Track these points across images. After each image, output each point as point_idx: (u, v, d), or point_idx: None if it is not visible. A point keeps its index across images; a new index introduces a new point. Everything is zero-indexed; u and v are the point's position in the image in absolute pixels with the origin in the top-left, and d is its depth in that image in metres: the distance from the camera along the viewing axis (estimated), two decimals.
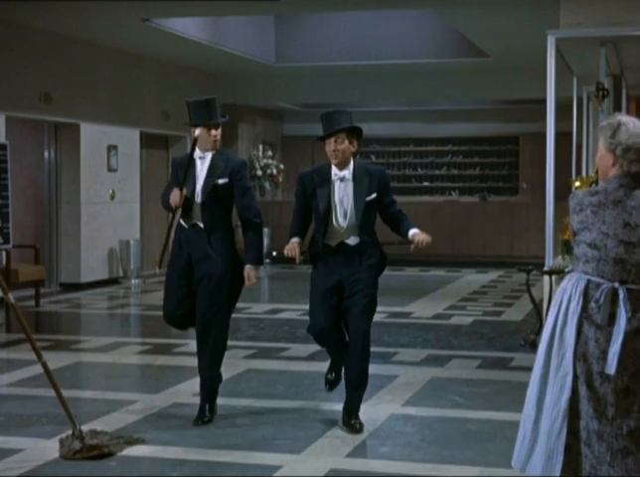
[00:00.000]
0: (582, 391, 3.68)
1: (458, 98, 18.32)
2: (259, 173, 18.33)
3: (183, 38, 13.70)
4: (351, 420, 5.90)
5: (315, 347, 7.56)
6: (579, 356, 3.71)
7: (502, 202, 19.00)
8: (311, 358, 8.23)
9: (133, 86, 15.11)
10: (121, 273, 14.53)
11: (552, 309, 3.83)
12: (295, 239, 5.90)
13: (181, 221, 6.07)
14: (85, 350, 8.79)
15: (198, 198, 5.92)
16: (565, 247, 10.06)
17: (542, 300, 9.24)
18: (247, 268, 6.01)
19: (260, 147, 18.74)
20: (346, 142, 5.82)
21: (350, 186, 5.85)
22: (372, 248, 5.89)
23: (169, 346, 8.89)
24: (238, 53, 15.19)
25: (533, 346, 8.74)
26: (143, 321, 11.19)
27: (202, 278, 5.94)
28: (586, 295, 3.72)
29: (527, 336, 8.93)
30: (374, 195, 5.86)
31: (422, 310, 11.41)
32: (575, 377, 3.71)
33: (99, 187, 14.21)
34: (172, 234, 6.22)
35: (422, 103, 19.26)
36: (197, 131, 5.96)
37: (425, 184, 20.38)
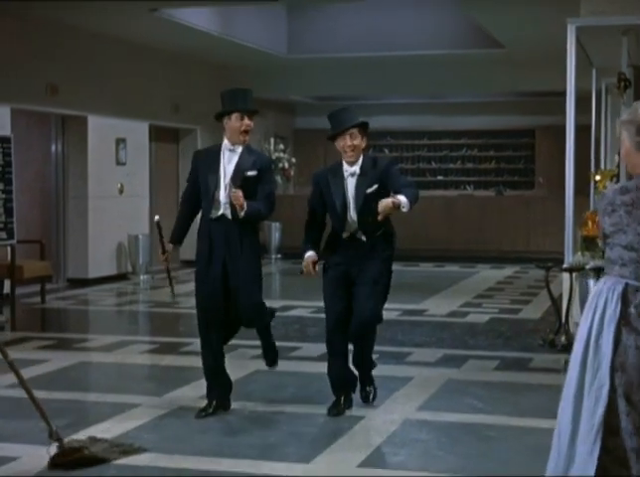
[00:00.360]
0: (621, 405, 3.35)
1: (473, 90, 17.96)
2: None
3: (193, 29, 13.41)
4: (362, 391, 6.33)
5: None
6: (617, 366, 3.38)
7: (518, 196, 18.67)
8: (322, 358, 7.92)
9: (142, 78, 14.83)
10: (130, 269, 14.26)
11: (585, 315, 3.49)
12: (309, 255, 6.04)
13: (207, 213, 6.07)
14: (90, 349, 8.52)
15: (222, 191, 5.90)
16: (585, 243, 9.76)
17: (560, 296, 8.91)
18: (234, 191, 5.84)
19: (272, 141, 18.43)
20: (359, 137, 5.99)
21: (355, 180, 6.03)
22: (384, 243, 6.03)
23: (176, 345, 8.62)
24: (248, 44, 14.89)
25: (552, 346, 8.44)
26: (151, 319, 10.93)
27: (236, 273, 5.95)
28: (625, 300, 3.39)
29: (546, 335, 8.62)
30: (375, 186, 5.94)
31: (437, 307, 11.10)
32: (613, 389, 3.38)
33: (108, 181, 13.95)
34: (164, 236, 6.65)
35: (437, 96, 18.95)
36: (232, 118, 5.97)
37: (440, 178, 20.05)
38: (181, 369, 7.60)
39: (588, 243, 9.80)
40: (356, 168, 5.99)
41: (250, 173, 5.90)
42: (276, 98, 18.65)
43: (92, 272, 13.55)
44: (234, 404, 6.20)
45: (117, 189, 14.17)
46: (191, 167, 6.23)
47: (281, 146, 18.42)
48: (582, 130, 17.96)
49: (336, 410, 6.06)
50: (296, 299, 11.62)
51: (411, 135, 19.92)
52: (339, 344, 6.10)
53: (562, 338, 8.43)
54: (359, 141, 5.98)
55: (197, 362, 7.06)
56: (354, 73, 16.99)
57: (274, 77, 17.33)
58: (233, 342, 6.50)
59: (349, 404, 6.16)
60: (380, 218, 5.69)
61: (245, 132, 5.98)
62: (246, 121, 5.96)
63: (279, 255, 17.26)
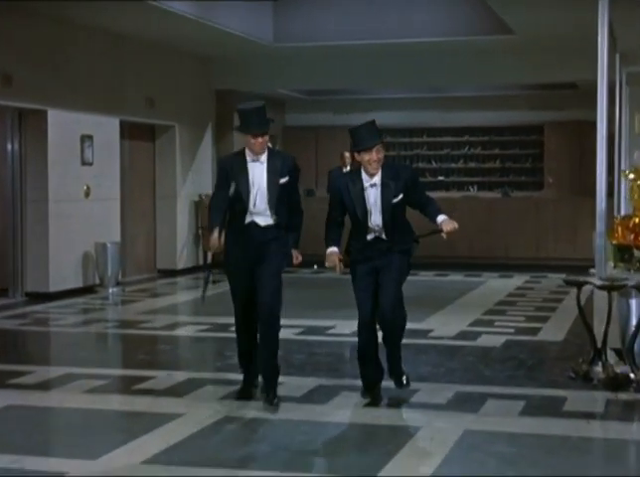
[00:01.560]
0: None
1: (477, 83, 16.45)
2: None
3: (169, 12, 11.89)
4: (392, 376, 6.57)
5: (313, 382, 6.60)
6: None
7: (526, 198, 17.20)
8: (307, 399, 6.49)
9: (112, 69, 13.35)
10: (98, 281, 12.77)
11: None
12: (333, 250, 6.44)
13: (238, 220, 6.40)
14: (26, 386, 6.94)
15: (255, 202, 6.31)
16: (619, 253, 8.32)
17: (582, 312, 7.41)
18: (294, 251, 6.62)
19: None
20: (382, 151, 6.35)
21: (380, 191, 6.33)
22: (403, 237, 6.41)
23: (132, 380, 7.12)
24: (231, 30, 13.39)
25: (586, 379, 6.97)
26: (111, 344, 9.40)
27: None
28: None
29: (578, 366, 7.13)
30: (400, 196, 6.31)
31: (443, 326, 9.64)
32: None
33: (72, 183, 12.45)
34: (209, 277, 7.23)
35: (437, 89, 17.45)
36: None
37: (440, 178, 18.55)
38: (132, 415, 6.13)
39: (622, 253, 8.38)
40: (376, 179, 6.32)
41: (283, 180, 6.35)
42: (263, 93, 17.10)
43: (54, 286, 12.05)
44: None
45: (83, 192, 12.68)
46: (219, 174, 6.54)
47: (269, 145, 16.90)
48: (593, 126, 16.54)
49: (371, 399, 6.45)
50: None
51: (410, 132, 18.42)
52: (370, 336, 6.48)
53: (599, 370, 6.96)
54: (382, 155, 6.33)
55: (155, 404, 5.69)
56: (346, 64, 15.49)
57: (260, 68, 15.83)
58: None
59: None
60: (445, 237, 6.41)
61: (261, 146, 6.31)
62: (260, 140, 6.28)
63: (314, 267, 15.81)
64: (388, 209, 6.28)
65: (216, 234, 6.35)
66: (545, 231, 16.24)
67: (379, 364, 6.57)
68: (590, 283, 7.43)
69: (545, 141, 17.84)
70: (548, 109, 17.54)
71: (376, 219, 6.34)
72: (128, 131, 14.28)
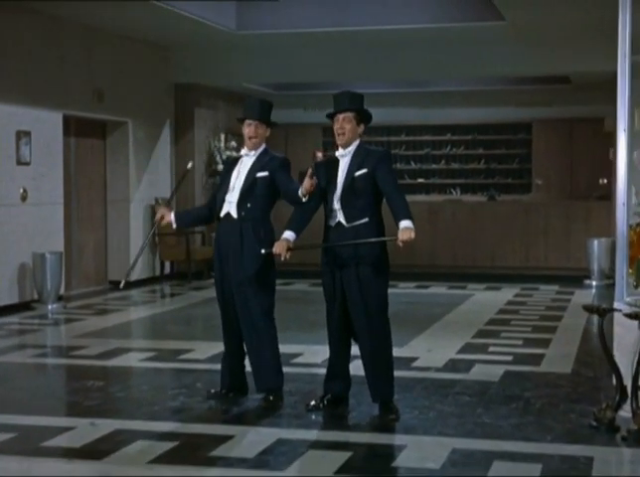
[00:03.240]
0: None
1: (461, 76, 15.05)
2: (221, 167, 15.03)
3: None
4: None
5: (271, 436, 5.30)
6: None
7: (513, 201, 15.89)
8: (261, 462, 5.07)
9: (53, 57, 11.85)
10: (35, 296, 11.28)
11: None
12: (287, 234, 6.09)
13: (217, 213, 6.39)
14: None
15: (231, 191, 6.29)
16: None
17: (607, 348, 5.98)
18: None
19: (222, 137, 15.54)
20: (352, 123, 6.04)
21: (347, 162, 6.06)
22: (368, 234, 5.95)
23: (41, 434, 5.64)
24: (189, 15, 11.93)
25: (612, 429, 5.58)
26: (30, 379, 7.84)
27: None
28: None
29: (601, 413, 5.72)
30: (364, 170, 5.98)
31: (429, 354, 8.24)
32: None
33: (5, 185, 10.96)
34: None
35: (417, 84, 16.07)
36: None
37: (420, 180, 17.21)
38: None
39: None
40: (347, 151, 6.06)
41: (261, 174, 6.26)
42: (227, 87, 15.69)
43: None
44: None
45: (19, 195, 11.18)
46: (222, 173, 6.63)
47: (233, 143, 15.47)
48: (592, 123, 15.17)
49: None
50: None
51: (387, 131, 17.06)
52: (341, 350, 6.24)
53: (628, 417, 5.58)
54: (350, 127, 6.04)
55: (63, 471, 4.29)
56: (317, 55, 14.05)
57: (222, 59, 14.38)
58: None
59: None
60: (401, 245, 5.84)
61: (250, 139, 6.30)
62: (250, 129, 6.28)
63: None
64: (347, 180, 5.97)
65: (164, 209, 6.44)
66: (534, 237, 14.92)
67: (346, 377, 6.22)
68: (616, 310, 6.01)
69: (533, 140, 16.60)
70: (536, 106, 16.27)
71: (337, 194, 6.01)
72: (74, 128, 12.80)
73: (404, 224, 5.82)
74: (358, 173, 5.96)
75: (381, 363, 6.01)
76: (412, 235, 5.77)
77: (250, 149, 6.31)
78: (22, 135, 11.18)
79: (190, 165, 6.90)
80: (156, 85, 14.28)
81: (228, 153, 15.18)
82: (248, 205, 6.23)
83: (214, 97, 15.59)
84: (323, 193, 6.07)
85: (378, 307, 5.95)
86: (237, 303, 6.26)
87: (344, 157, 6.06)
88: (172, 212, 6.49)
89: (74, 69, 12.26)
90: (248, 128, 6.27)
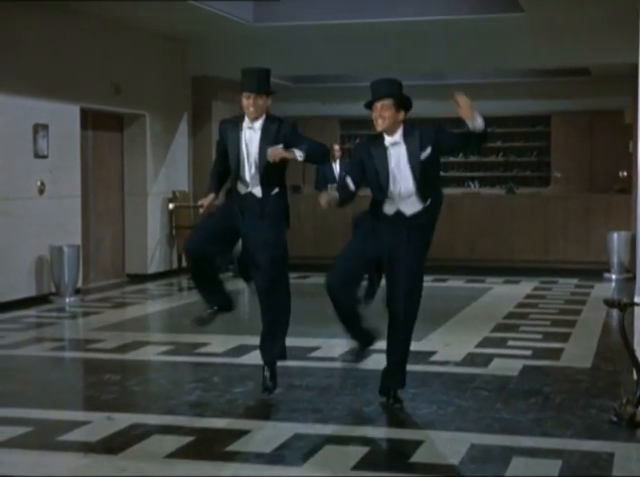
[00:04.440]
0: None
1: (479, 68, 14.95)
2: None
3: None
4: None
5: (288, 430, 5.21)
6: None
7: (532, 194, 15.74)
8: (278, 457, 5.03)
9: (70, 51, 11.83)
10: (53, 289, 11.28)
11: None
12: (335, 195, 5.91)
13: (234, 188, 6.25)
14: None
15: (248, 169, 6.14)
16: None
17: (628, 343, 5.90)
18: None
19: None
20: (391, 110, 5.83)
21: (403, 148, 5.87)
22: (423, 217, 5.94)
23: (58, 428, 5.63)
24: (207, 7, 11.89)
25: (633, 425, 5.51)
26: (47, 372, 7.83)
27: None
28: None
29: (622, 408, 5.65)
30: (428, 150, 5.83)
31: (447, 348, 8.18)
32: None
33: (22, 178, 10.96)
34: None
35: (435, 76, 15.98)
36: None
37: None
38: None
39: None
40: (397, 137, 5.87)
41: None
42: None
43: (1, 295, 10.56)
44: None
45: (37, 188, 11.19)
46: (219, 137, 6.36)
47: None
48: (612, 116, 15.02)
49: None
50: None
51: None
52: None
53: None
54: (389, 114, 5.82)
55: (79, 467, 4.24)
56: (336, 47, 13.96)
57: (239, 51, 14.31)
58: None
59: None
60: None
61: (249, 110, 6.10)
62: (249, 101, 6.09)
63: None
64: (417, 168, 5.81)
65: (209, 199, 6.25)
66: (553, 231, 14.78)
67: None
68: (637, 304, 5.94)
69: (552, 133, 16.45)
70: (555, 98, 16.15)
71: (399, 183, 5.86)
72: (92, 121, 12.79)
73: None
74: (424, 155, 5.82)
75: (407, 338, 6.08)
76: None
77: (252, 121, 6.11)
78: (39, 128, 11.17)
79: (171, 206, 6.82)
80: (173, 78, 14.25)
81: None
82: (270, 182, 6.13)
83: (231, 90, 15.46)
84: (368, 181, 5.95)
85: (418, 274, 6.02)
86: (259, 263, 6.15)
87: (395, 145, 5.84)
88: (209, 196, 6.31)
89: (91, 62, 12.24)
90: (247, 101, 6.09)
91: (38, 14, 11.15)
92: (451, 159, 17.10)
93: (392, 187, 5.85)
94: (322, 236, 14.73)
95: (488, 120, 18.71)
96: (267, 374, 6.29)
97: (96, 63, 12.36)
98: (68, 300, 11.09)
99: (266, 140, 6.05)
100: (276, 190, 6.18)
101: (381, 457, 5.12)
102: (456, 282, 13.21)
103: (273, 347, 6.30)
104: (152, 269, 13.67)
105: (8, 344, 8.47)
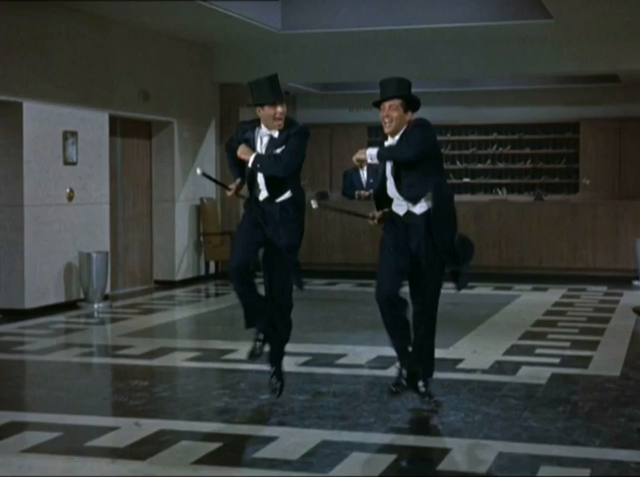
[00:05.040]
0: None
1: (508, 75, 14.91)
2: None
3: None
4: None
5: (315, 437, 5.24)
6: None
7: (560, 202, 15.66)
8: (305, 464, 5.02)
9: (100, 57, 11.93)
10: (82, 295, 11.35)
11: None
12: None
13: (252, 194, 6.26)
14: None
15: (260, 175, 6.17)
16: None
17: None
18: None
19: None
20: (399, 110, 5.87)
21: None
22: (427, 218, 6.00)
23: (86, 433, 5.66)
24: (235, 15, 11.94)
25: None
26: (75, 377, 7.91)
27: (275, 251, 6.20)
28: None
29: None
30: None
31: (474, 355, 8.15)
32: None
33: (51, 185, 11.04)
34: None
35: (463, 83, 15.96)
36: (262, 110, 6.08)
37: (466, 180, 17.09)
38: None
39: None
40: (395, 139, 5.95)
41: (278, 150, 6.07)
42: None
43: (30, 302, 10.65)
44: None
45: (66, 195, 11.27)
46: (235, 135, 6.35)
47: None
48: (636, 123, 14.92)
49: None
50: None
51: None
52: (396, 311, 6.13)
53: None
54: (397, 114, 5.88)
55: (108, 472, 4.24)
56: (363, 54, 13.99)
57: (268, 59, 14.35)
58: None
59: None
60: None
61: (279, 119, 6.09)
62: (279, 109, 6.07)
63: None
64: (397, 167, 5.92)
65: (236, 183, 6.31)
66: (582, 238, 14.69)
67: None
68: None
69: (581, 139, 16.36)
70: (584, 105, 16.08)
71: (397, 188, 5.99)
72: (120, 128, 12.87)
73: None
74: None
75: (431, 324, 6.25)
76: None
77: (277, 128, 6.09)
78: (69, 135, 11.26)
79: (199, 171, 6.80)
80: (201, 85, 14.33)
81: None
82: (282, 187, 6.14)
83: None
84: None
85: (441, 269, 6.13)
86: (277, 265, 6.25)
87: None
88: (232, 186, 6.36)
89: (120, 69, 12.33)
90: (273, 111, 6.03)
91: (67, 21, 11.24)
92: (479, 166, 17.06)
93: (390, 188, 6.01)
94: (349, 242, 14.73)
95: (516, 127, 18.80)
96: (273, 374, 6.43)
97: (125, 70, 12.44)
98: (96, 306, 11.16)
99: (274, 144, 6.08)
100: (288, 194, 6.17)
101: (407, 465, 5.11)
102: (484, 289, 13.16)
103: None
104: (180, 276, 13.73)
105: (37, 350, 8.54)
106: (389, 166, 6.01)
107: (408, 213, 6.01)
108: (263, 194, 6.19)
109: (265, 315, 6.34)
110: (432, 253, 5.99)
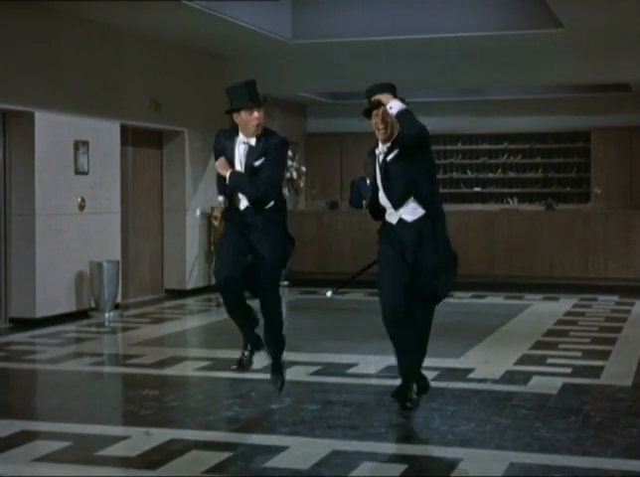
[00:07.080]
0: None
1: (519, 84, 14.92)
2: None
3: (176, 4, 10.55)
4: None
5: (326, 447, 5.23)
6: None
7: (571, 211, 15.62)
8: (316, 474, 5.01)
9: (111, 66, 11.97)
10: (93, 305, 11.37)
11: None
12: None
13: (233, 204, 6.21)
14: None
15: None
16: None
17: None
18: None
19: None
20: (392, 116, 5.80)
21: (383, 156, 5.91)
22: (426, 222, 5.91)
23: (95, 442, 5.66)
24: (245, 25, 11.97)
25: None
26: (85, 386, 7.94)
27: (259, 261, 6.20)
28: None
29: None
30: (394, 153, 5.82)
31: (485, 365, 8.12)
32: None
33: (63, 194, 11.07)
34: None
35: (474, 92, 15.96)
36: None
37: (477, 189, 17.06)
38: None
39: None
40: (387, 146, 5.90)
41: (257, 163, 6.06)
42: (283, 96, 15.74)
43: (41, 310, 10.68)
44: None
45: (77, 204, 11.30)
46: (215, 144, 6.31)
47: (290, 153, 15.46)
48: None
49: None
50: (296, 349, 8.57)
51: (443, 139, 16.96)
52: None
53: None
54: (390, 121, 5.81)
55: None
56: (373, 64, 13.97)
57: (279, 69, 14.40)
58: None
59: None
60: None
61: (256, 124, 6.05)
62: (256, 114, 6.05)
63: (285, 283, 14.27)
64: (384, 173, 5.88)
65: (219, 208, 6.33)
66: (593, 247, 14.65)
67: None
68: None
69: (592, 148, 16.34)
70: (595, 114, 16.06)
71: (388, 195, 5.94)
72: (131, 137, 12.91)
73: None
74: (390, 157, 5.92)
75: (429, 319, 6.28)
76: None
77: (254, 135, 6.08)
78: (80, 145, 11.30)
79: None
80: (212, 95, 14.34)
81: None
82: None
83: (269, 106, 15.56)
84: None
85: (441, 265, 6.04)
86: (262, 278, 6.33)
87: (381, 153, 5.96)
88: (217, 213, 6.39)
89: (131, 78, 12.37)
90: (250, 116, 6.03)
91: (79, 32, 11.28)
92: (490, 175, 17.04)
93: (381, 198, 5.99)
94: (360, 252, 14.70)
95: (527, 136, 18.84)
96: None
97: (136, 80, 12.48)
98: (107, 315, 11.18)
99: (253, 155, 6.06)
100: (271, 203, 6.16)
101: (418, 475, 5.09)
102: (495, 299, 13.14)
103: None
104: (191, 285, 13.75)
105: (48, 359, 8.55)
106: (379, 176, 5.97)
107: (401, 221, 5.95)
108: (244, 203, 6.18)
109: (252, 327, 6.45)
110: (430, 262, 5.95)
